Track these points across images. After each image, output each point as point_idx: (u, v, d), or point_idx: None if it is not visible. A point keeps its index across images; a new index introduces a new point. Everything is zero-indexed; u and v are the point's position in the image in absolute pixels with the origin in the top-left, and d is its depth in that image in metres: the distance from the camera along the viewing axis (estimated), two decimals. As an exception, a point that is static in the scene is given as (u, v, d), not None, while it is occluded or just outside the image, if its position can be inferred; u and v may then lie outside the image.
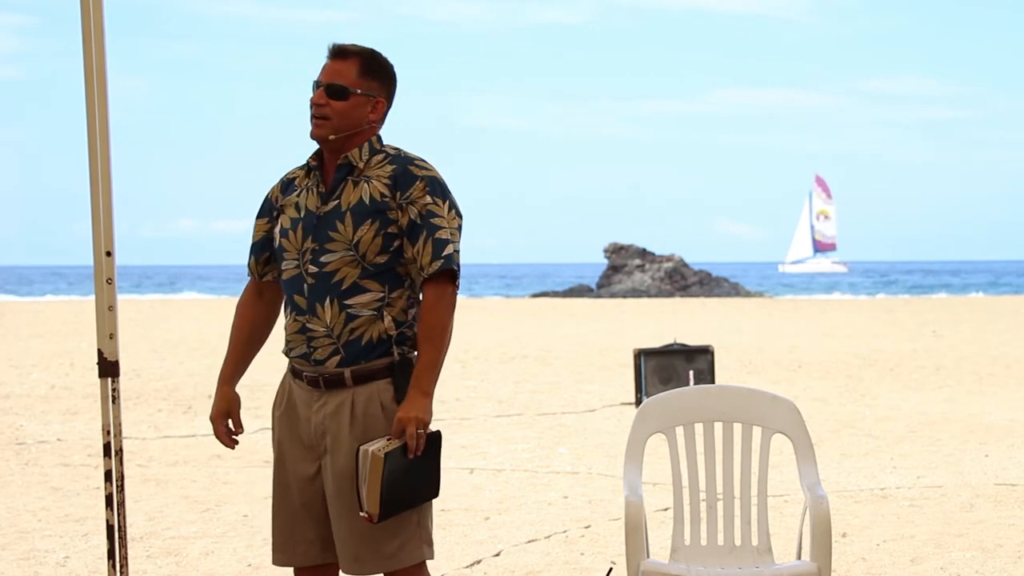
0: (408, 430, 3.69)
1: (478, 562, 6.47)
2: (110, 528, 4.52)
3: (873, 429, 11.17)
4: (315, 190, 3.83)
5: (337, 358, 3.75)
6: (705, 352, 12.55)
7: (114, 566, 4.53)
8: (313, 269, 3.76)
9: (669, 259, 48.62)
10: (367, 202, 3.75)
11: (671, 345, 12.57)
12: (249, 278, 4.01)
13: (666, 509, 7.47)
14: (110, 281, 4.50)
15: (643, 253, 49.06)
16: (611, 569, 6.04)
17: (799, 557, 4.78)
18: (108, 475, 4.51)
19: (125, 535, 4.54)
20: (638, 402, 12.22)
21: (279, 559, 4.02)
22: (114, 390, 4.51)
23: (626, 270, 48.41)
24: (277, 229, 3.88)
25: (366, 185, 3.76)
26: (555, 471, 9.23)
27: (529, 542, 6.91)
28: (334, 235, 3.75)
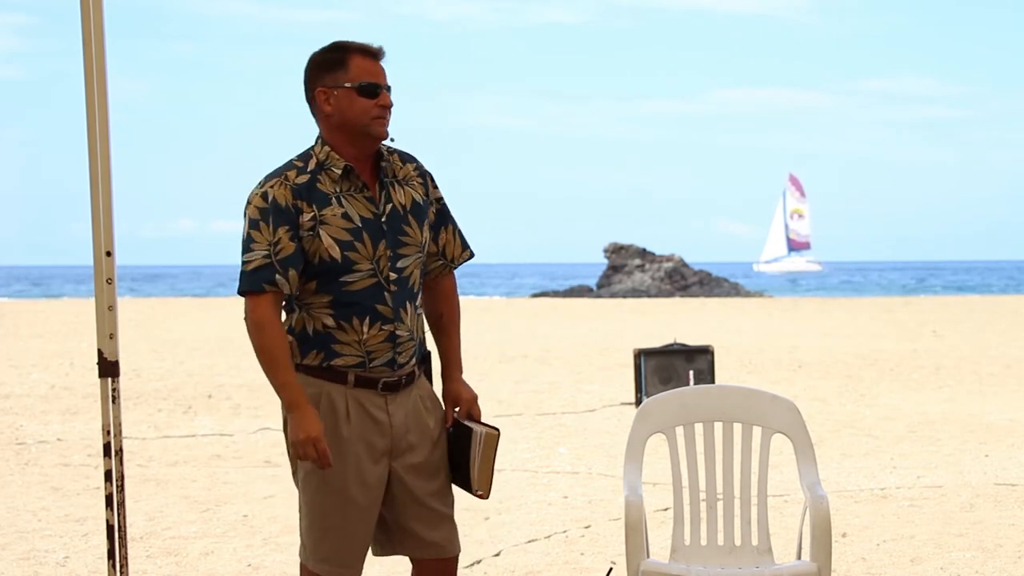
0: (476, 408, 3.96)
1: (478, 562, 6.48)
2: (110, 528, 4.52)
3: (873, 429, 11.16)
4: (359, 195, 3.76)
5: (415, 358, 3.87)
6: (705, 352, 12.55)
7: (114, 566, 4.53)
8: (394, 276, 3.77)
9: (669, 259, 48.61)
10: (419, 203, 3.84)
11: (671, 345, 12.57)
12: (269, 293, 3.70)
13: (666, 509, 7.46)
14: (110, 281, 4.49)
15: (643, 253, 49.05)
16: (611, 569, 6.05)
17: (799, 557, 4.78)
18: (108, 475, 4.51)
19: (125, 535, 4.54)
20: (638, 402, 12.22)
21: (343, 572, 3.84)
22: (114, 390, 4.51)
23: (626, 270, 48.40)
24: (328, 241, 3.69)
25: (406, 186, 3.83)
26: (555, 471, 9.23)
27: (529, 542, 6.91)
28: (405, 239, 3.80)
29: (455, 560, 3.93)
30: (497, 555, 6.62)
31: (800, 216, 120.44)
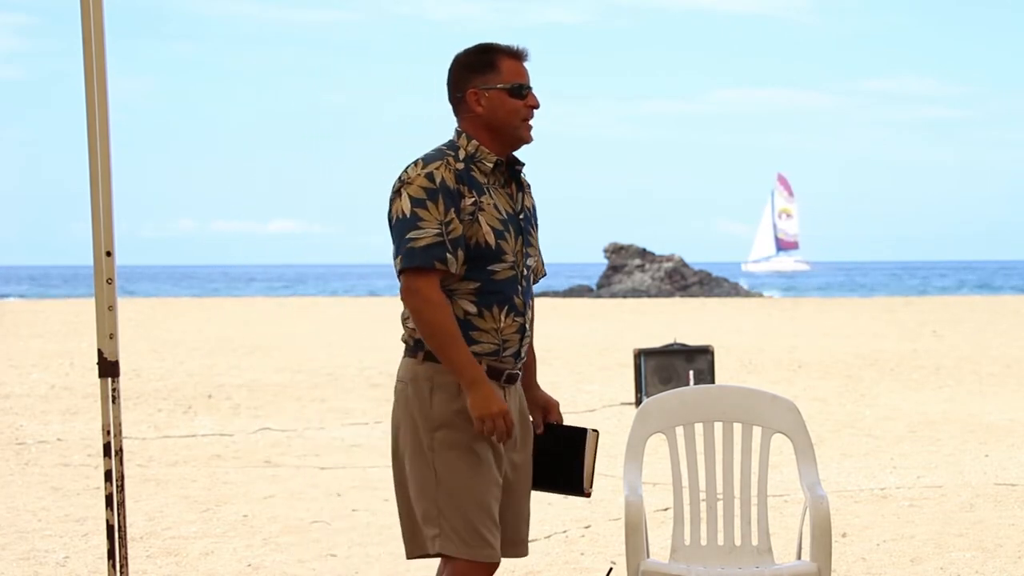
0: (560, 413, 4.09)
1: (478, 562, 6.47)
2: (110, 528, 4.52)
3: (873, 429, 11.17)
4: (502, 190, 3.86)
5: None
6: (705, 352, 12.55)
7: (114, 566, 4.53)
8: (526, 272, 3.90)
9: (669, 259, 48.59)
10: (535, 209, 3.99)
11: (671, 345, 12.57)
12: (437, 272, 3.71)
13: (666, 509, 7.46)
14: (110, 281, 4.50)
15: (643, 253, 49.03)
16: (611, 569, 6.04)
17: (799, 557, 4.78)
18: (108, 475, 4.51)
19: (125, 535, 4.54)
20: (638, 402, 12.22)
21: (488, 553, 3.79)
22: (114, 390, 4.51)
23: (626, 270, 48.39)
24: (485, 227, 3.76)
25: (529, 191, 3.95)
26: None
27: (529, 542, 6.90)
28: (531, 239, 3.93)
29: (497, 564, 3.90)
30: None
31: (788, 216, 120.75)
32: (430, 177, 3.74)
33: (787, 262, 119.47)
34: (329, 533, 7.15)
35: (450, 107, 3.92)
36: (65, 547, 6.84)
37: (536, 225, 3.98)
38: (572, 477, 3.93)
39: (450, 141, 3.88)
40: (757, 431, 4.76)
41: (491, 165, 3.84)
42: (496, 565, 3.81)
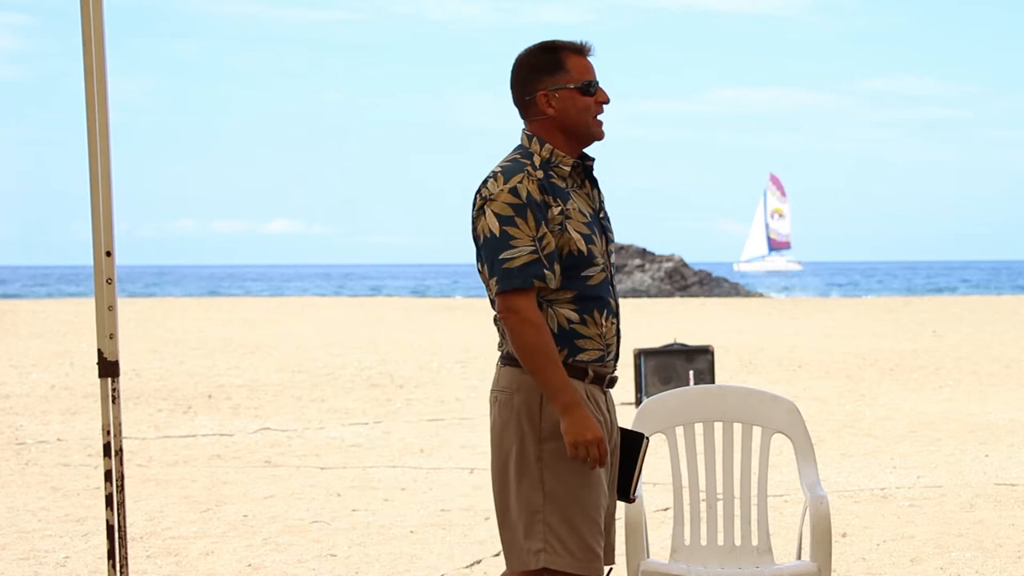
0: None
1: (478, 562, 6.48)
2: (110, 528, 4.52)
3: (873, 429, 11.16)
4: (580, 191, 3.79)
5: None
6: (705, 352, 12.55)
7: (114, 566, 4.53)
8: (613, 270, 3.83)
9: (669, 259, 48.59)
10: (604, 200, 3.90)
11: (671, 345, 12.57)
12: (535, 289, 3.64)
13: (666, 509, 7.46)
14: (110, 281, 4.49)
15: (643, 253, 49.03)
16: (611, 569, 6.04)
17: (799, 557, 4.78)
18: (108, 475, 4.51)
19: (125, 535, 4.54)
20: (638, 402, 12.22)
21: (595, 567, 3.73)
22: (114, 390, 4.51)
23: (626, 270, 48.39)
24: (575, 235, 3.67)
25: (599, 185, 3.87)
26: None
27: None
28: (611, 237, 3.85)
29: (610, 571, 3.86)
30: (497, 555, 6.61)
31: (781, 216, 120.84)
32: (515, 192, 3.62)
33: (779, 262, 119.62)
34: (329, 533, 7.15)
35: (516, 109, 3.82)
36: (65, 547, 6.84)
37: (609, 220, 3.88)
38: (623, 482, 3.84)
39: (522, 147, 3.77)
40: (757, 431, 4.77)
41: (568, 168, 3.74)
42: None
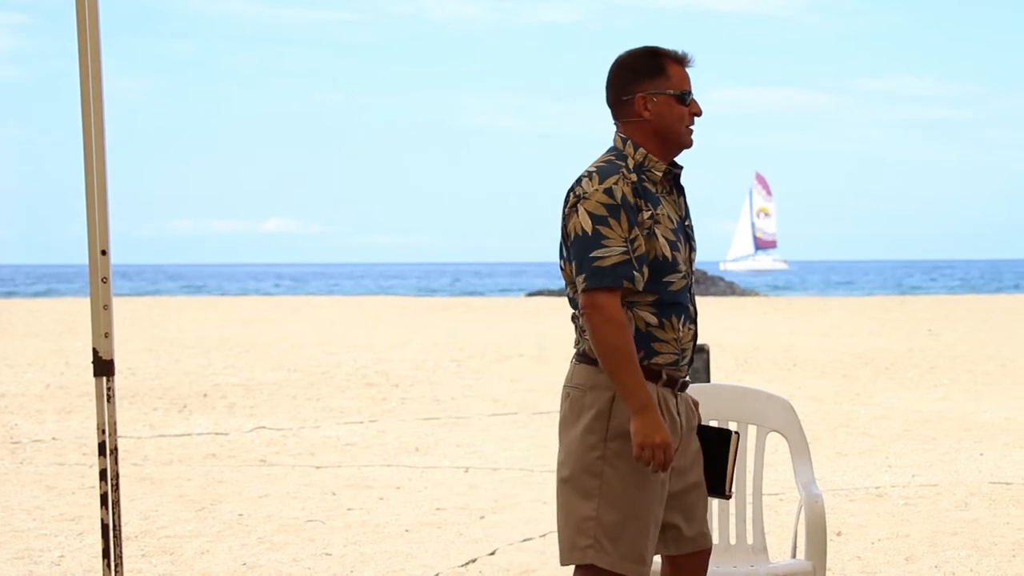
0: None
1: (473, 561, 6.48)
2: (105, 527, 4.52)
3: (868, 428, 11.17)
4: (669, 198, 3.81)
5: None
6: (701, 350, 12.51)
7: (109, 565, 4.52)
8: (693, 279, 3.86)
9: (665, 258, 48.59)
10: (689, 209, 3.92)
11: (667, 344, 12.56)
12: (619, 290, 3.66)
13: (661, 508, 7.46)
14: (105, 280, 4.49)
15: (639, 252, 49.01)
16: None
17: (794, 556, 4.78)
18: (103, 474, 4.51)
19: (120, 534, 4.54)
20: (634, 401, 12.21)
21: (641, 570, 3.74)
22: (109, 389, 4.51)
23: (622, 269, 48.38)
24: (662, 240, 3.70)
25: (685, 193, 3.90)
26: (551, 470, 9.21)
27: (524, 541, 6.91)
28: (694, 245, 3.89)
29: (709, 552, 3.92)
30: (492, 554, 6.62)
31: (766, 215, 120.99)
32: (609, 193, 3.66)
33: (765, 261, 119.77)
34: (324, 532, 7.15)
35: (609, 109, 3.85)
36: (60, 546, 6.83)
37: (693, 228, 3.92)
38: (716, 479, 3.92)
39: (616, 149, 3.80)
40: (752, 430, 4.77)
41: (660, 174, 3.77)
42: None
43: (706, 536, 3.90)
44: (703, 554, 3.88)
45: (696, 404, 3.97)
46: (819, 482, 7.28)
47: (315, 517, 7.54)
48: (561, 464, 3.82)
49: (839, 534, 6.93)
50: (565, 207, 3.73)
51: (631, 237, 3.66)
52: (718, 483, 3.90)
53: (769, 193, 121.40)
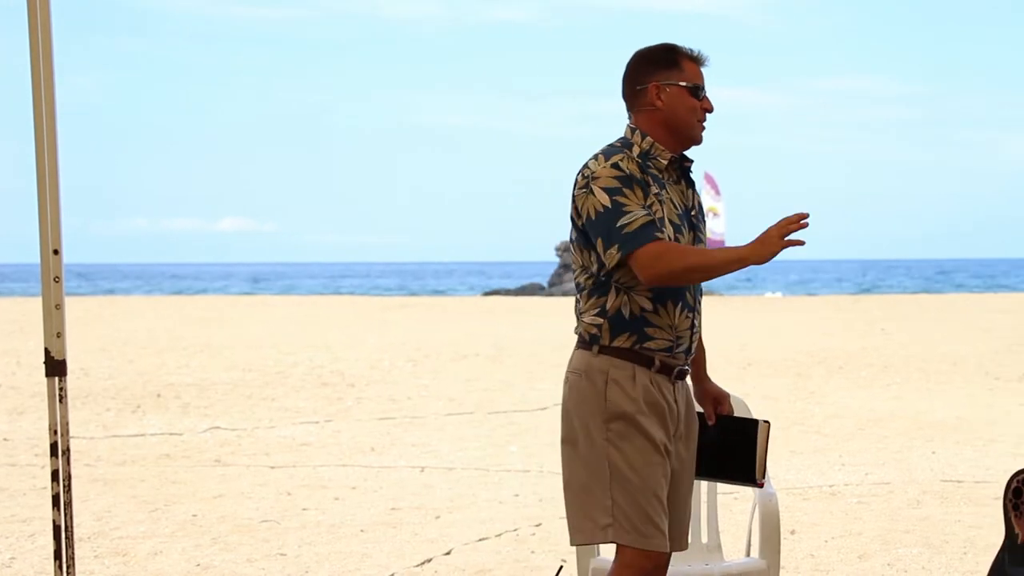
0: (730, 405, 4.15)
1: (428, 560, 6.47)
2: (57, 528, 4.48)
3: (822, 427, 11.24)
4: (675, 187, 3.88)
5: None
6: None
7: (61, 567, 4.49)
8: None
9: (620, 257, 48.68)
10: (702, 206, 3.98)
11: (622, 343, 12.59)
12: (653, 244, 3.75)
13: (617, 507, 7.48)
14: (57, 279, 4.45)
15: (595, 251, 49.09)
16: (561, 567, 6.06)
17: (748, 554, 4.80)
18: (55, 475, 4.47)
19: (72, 535, 4.50)
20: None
21: (660, 542, 3.81)
22: (61, 389, 4.47)
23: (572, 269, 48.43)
24: (666, 219, 3.79)
25: (695, 188, 3.96)
26: (506, 469, 9.24)
27: (480, 540, 6.91)
28: (701, 236, 3.94)
29: (669, 555, 3.94)
30: (448, 554, 6.61)
31: (716, 215, 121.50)
32: (616, 167, 3.77)
33: None
34: (279, 532, 7.12)
35: (624, 102, 3.94)
36: (11, 548, 6.77)
37: (704, 221, 3.99)
38: (746, 468, 4.01)
39: (623, 138, 3.89)
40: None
41: (665, 162, 3.85)
42: (665, 555, 3.83)
43: (684, 539, 3.95)
44: (668, 555, 3.91)
45: (726, 396, 4.08)
46: (773, 481, 7.31)
47: (270, 517, 7.52)
48: (566, 449, 3.87)
49: (793, 532, 6.97)
50: (575, 190, 3.82)
51: (647, 204, 3.75)
52: (747, 471, 4.00)
53: (718, 193, 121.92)
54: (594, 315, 3.82)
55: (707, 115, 3.91)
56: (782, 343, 20.39)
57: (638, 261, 3.70)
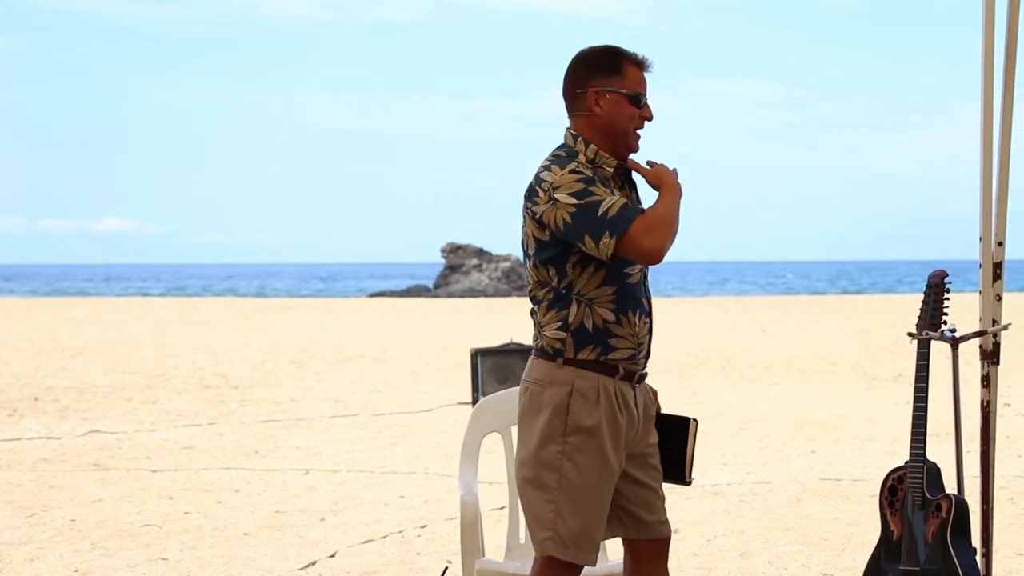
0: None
1: (313, 563, 6.43)
2: (-71, 535, 4.37)
3: (704, 426, 11.31)
4: (621, 192, 3.83)
5: None
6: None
7: (-67, 574, 4.38)
8: (647, 272, 3.89)
9: (506, 259, 48.81)
10: None
11: (507, 344, 12.63)
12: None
13: (502, 508, 7.49)
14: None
15: (480, 253, 49.17)
16: (446, 568, 6.06)
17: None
18: (-73, 480, 4.36)
19: (-55, 542, 4.39)
20: (474, 401, 12.25)
21: (593, 558, 3.82)
22: (-67, 392, 4.36)
23: (463, 270, 48.48)
24: None
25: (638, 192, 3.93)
26: (391, 471, 9.21)
27: (365, 542, 6.88)
28: None
29: (668, 540, 3.96)
30: (332, 556, 6.57)
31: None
32: (575, 172, 3.74)
33: None
34: (160, 536, 7.02)
35: (563, 101, 3.89)
36: None
37: None
38: (675, 466, 4.00)
39: (566, 146, 3.85)
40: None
41: (611, 170, 3.83)
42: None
43: (665, 524, 3.96)
44: (663, 541, 3.95)
45: (655, 393, 4.04)
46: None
47: (151, 522, 7.41)
48: (520, 458, 3.86)
49: (676, 531, 7.04)
50: (537, 207, 3.75)
51: (616, 196, 3.74)
52: (678, 469, 4.00)
53: None
54: (556, 328, 3.80)
55: (645, 124, 3.88)
56: (665, 343, 20.59)
57: (633, 238, 3.69)
